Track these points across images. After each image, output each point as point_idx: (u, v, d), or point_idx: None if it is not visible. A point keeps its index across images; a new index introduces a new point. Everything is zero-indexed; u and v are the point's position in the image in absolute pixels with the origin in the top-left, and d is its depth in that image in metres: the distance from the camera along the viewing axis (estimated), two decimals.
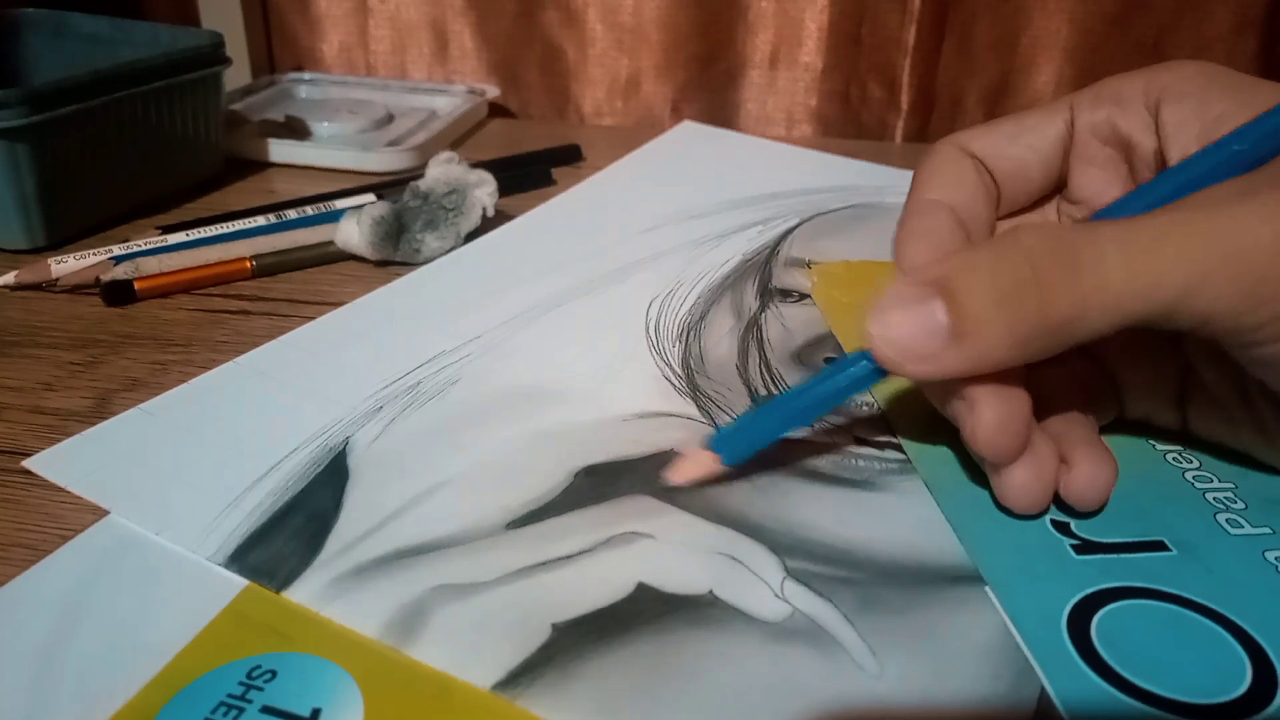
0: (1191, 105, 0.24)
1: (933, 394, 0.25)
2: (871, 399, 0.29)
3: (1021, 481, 0.23)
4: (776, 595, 0.21)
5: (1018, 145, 0.26)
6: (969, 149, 0.26)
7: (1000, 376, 0.22)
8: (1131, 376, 0.26)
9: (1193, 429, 0.26)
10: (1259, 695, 0.19)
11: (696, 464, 0.24)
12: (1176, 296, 0.19)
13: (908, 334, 0.21)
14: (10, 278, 0.36)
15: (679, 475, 0.24)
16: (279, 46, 0.64)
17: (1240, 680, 0.19)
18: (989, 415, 0.22)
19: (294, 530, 0.23)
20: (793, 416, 0.24)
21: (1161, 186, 0.23)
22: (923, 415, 0.28)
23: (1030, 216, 0.28)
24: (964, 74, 0.58)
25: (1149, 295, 0.20)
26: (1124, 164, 0.26)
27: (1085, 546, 0.23)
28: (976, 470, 0.25)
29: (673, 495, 0.24)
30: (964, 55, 0.58)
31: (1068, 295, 0.20)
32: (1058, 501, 0.24)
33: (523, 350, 0.31)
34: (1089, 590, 0.21)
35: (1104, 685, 0.19)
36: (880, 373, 0.23)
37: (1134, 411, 0.27)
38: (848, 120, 0.60)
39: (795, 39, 0.59)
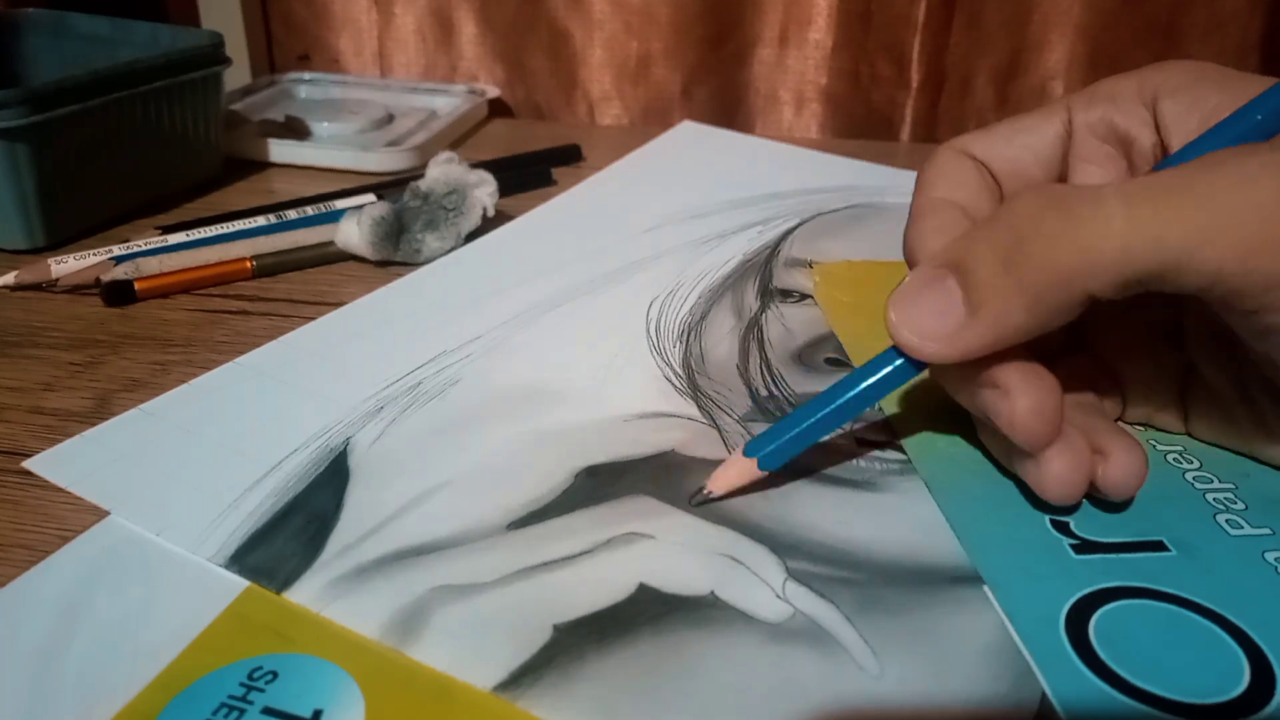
0: (1187, 99, 0.24)
1: (961, 389, 0.24)
2: None
3: (1059, 472, 0.22)
4: (778, 596, 0.21)
5: (1014, 146, 0.26)
6: (968, 151, 0.26)
7: (1028, 362, 0.22)
8: (1134, 375, 0.26)
9: (1194, 430, 0.26)
10: (1257, 695, 0.19)
11: (736, 472, 0.24)
12: (1182, 248, 0.19)
13: (925, 315, 0.22)
14: (10, 278, 0.36)
15: (719, 484, 0.24)
16: (284, 35, 0.64)
17: (1238, 680, 0.19)
18: (1025, 401, 0.22)
19: (294, 531, 0.23)
20: (827, 419, 0.24)
21: (1180, 159, 0.23)
22: (923, 415, 0.28)
23: None
24: (974, 52, 0.58)
25: (1155, 247, 0.19)
26: (1122, 160, 0.26)
27: (1084, 546, 0.23)
28: (977, 469, 0.25)
29: (674, 496, 0.24)
30: (974, 33, 0.57)
31: (1073, 244, 0.20)
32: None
33: (523, 350, 0.31)
34: (1087, 590, 0.21)
35: (1101, 685, 0.19)
36: (910, 367, 0.23)
37: (1135, 412, 0.27)
38: (857, 99, 0.60)
39: (805, 17, 0.59)
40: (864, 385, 0.23)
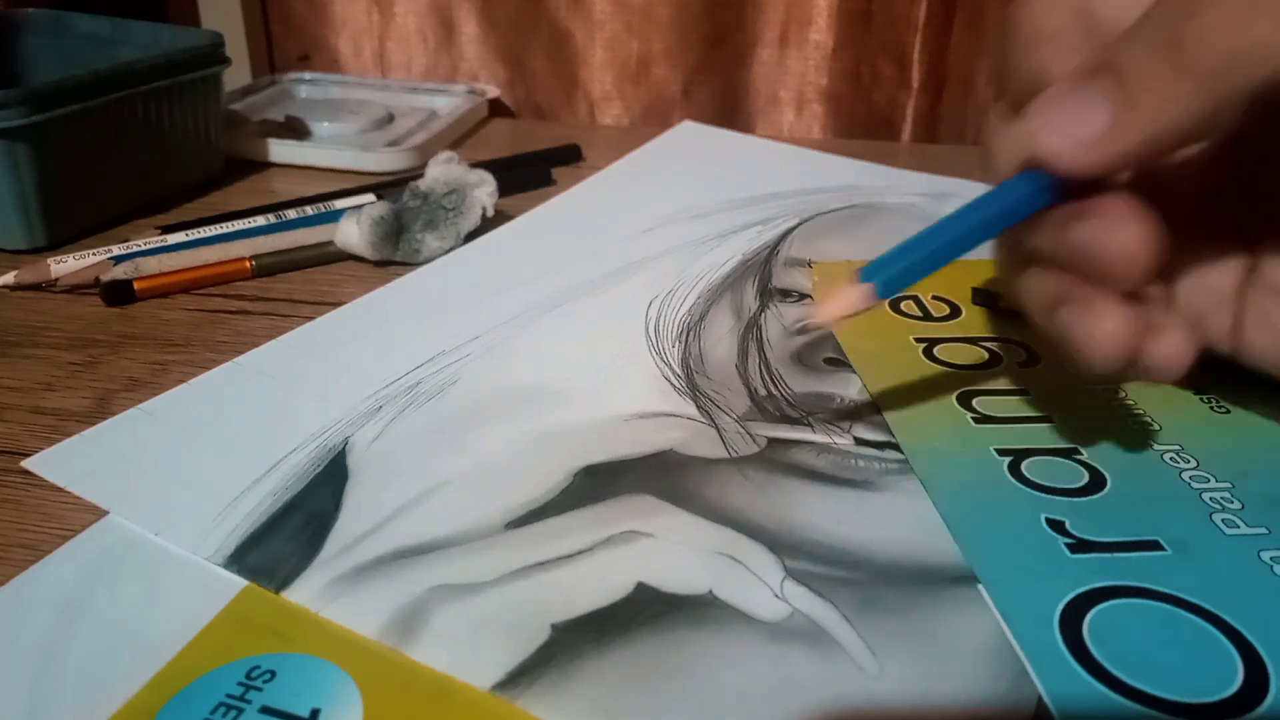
0: None
1: (1049, 229, 0.22)
2: (870, 398, 0.29)
3: (1113, 328, 0.21)
4: (776, 595, 0.21)
5: None
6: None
7: (1133, 195, 0.20)
8: (1189, 267, 0.25)
9: (1245, 343, 0.25)
10: (1250, 694, 0.19)
11: (849, 298, 0.22)
12: None
13: (1073, 117, 0.20)
14: (10, 278, 0.36)
15: (827, 313, 0.22)
16: (284, 35, 0.64)
17: (1232, 679, 0.19)
18: (1135, 228, 0.20)
19: (293, 530, 0.23)
20: (952, 243, 0.22)
21: None
22: (922, 414, 0.28)
23: None
24: (975, 51, 0.58)
25: None
26: None
27: (1080, 545, 0.23)
28: (974, 468, 0.25)
29: (673, 495, 0.25)
30: (975, 32, 0.57)
31: (1248, 16, 0.18)
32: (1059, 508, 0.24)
33: (522, 350, 0.31)
34: (1082, 589, 0.21)
35: (1095, 683, 0.19)
36: (1048, 190, 0.21)
37: (1185, 304, 0.25)
38: (858, 100, 0.60)
39: (805, 17, 0.59)
40: (990, 210, 0.21)
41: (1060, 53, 0.22)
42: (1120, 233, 0.20)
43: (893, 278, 0.22)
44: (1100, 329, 0.21)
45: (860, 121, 0.60)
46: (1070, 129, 0.20)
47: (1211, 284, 0.25)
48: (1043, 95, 0.21)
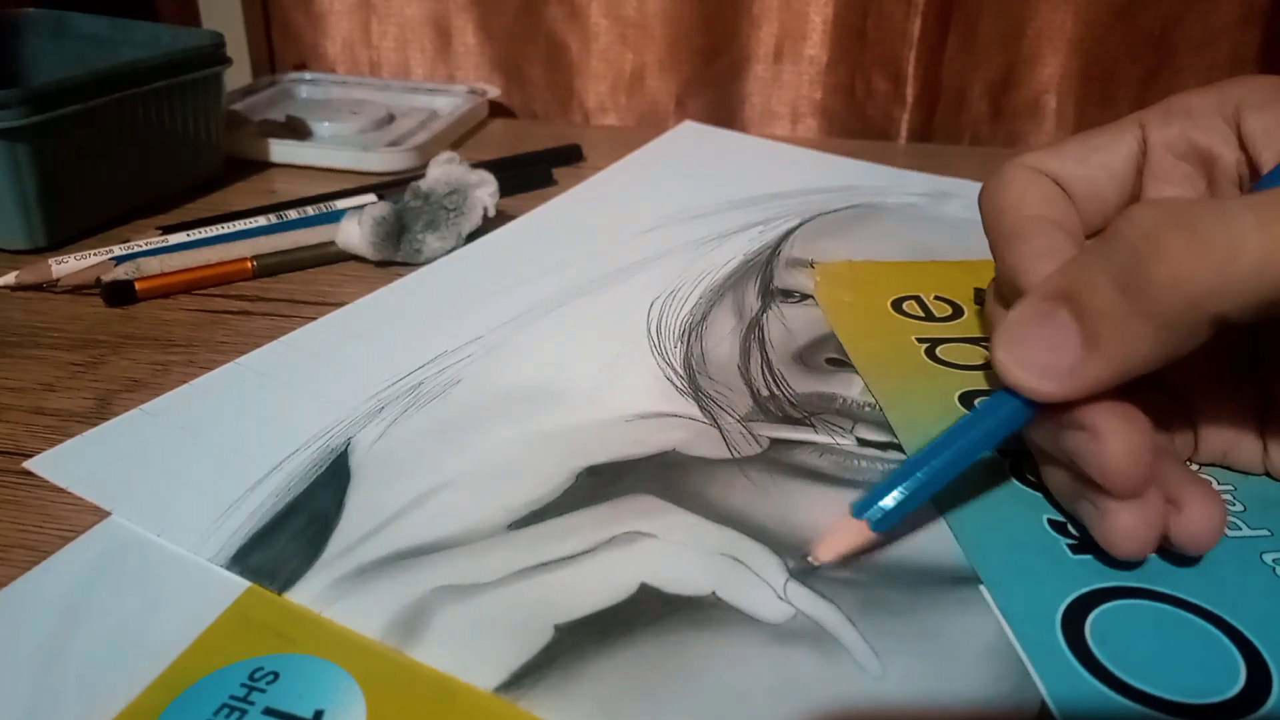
0: (1277, 113, 0.23)
1: (1042, 428, 0.22)
2: (872, 399, 0.29)
3: (1128, 526, 0.21)
4: (779, 596, 0.21)
5: (1090, 165, 0.25)
6: (1042, 169, 0.25)
7: (1119, 401, 0.20)
8: (1207, 409, 0.25)
9: (1277, 464, 0.25)
10: (1252, 696, 0.19)
11: (846, 535, 0.22)
12: None
13: (1039, 352, 0.20)
14: (11, 278, 0.36)
15: (829, 552, 0.22)
16: (281, 43, 0.64)
17: (1234, 681, 0.19)
18: (1118, 444, 0.20)
19: (295, 531, 0.23)
20: (940, 472, 0.22)
21: None
22: (923, 415, 0.28)
23: None
24: (969, 66, 0.58)
25: None
26: (1202, 179, 0.25)
27: (1082, 545, 0.23)
28: (976, 469, 0.25)
29: (676, 495, 0.25)
30: (969, 47, 0.58)
31: (1200, 264, 0.18)
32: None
33: (524, 351, 0.31)
34: (1084, 589, 0.21)
35: (1097, 684, 0.19)
36: (1024, 409, 0.21)
37: (1210, 450, 0.25)
38: (853, 114, 0.60)
39: (800, 32, 0.59)
40: (975, 433, 0.22)
41: (1033, 255, 0.23)
42: (1106, 449, 0.20)
43: (890, 514, 0.22)
44: (1114, 528, 0.21)
45: (854, 136, 0.60)
46: (1034, 363, 0.20)
47: (1232, 420, 0.25)
48: (1008, 322, 0.21)
